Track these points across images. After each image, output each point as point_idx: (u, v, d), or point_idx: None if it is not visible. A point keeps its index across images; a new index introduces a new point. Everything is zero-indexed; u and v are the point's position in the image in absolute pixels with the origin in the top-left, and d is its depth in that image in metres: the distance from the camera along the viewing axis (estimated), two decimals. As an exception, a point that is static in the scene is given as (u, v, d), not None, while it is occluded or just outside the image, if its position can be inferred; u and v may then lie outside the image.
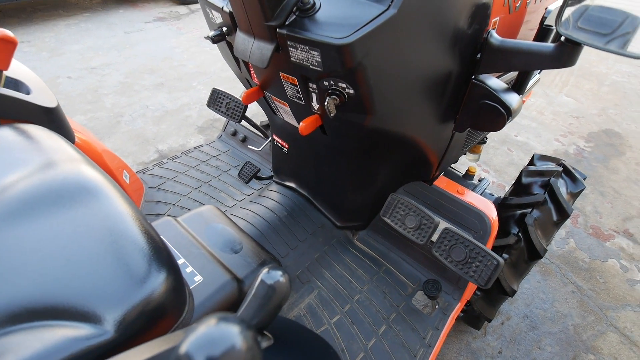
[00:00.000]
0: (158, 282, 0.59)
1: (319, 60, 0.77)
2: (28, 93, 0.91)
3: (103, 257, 0.58)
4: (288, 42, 0.78)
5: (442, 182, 1.22)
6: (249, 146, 1.59)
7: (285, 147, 1.27)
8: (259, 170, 1.37)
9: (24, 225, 0.60)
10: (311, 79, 0.85)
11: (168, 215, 1.31)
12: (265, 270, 0.48)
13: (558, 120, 2.93)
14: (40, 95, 0.94)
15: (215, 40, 0.91)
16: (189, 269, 0.97)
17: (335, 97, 0.83)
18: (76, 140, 1.06)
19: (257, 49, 0.84)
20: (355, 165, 1.09)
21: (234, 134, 1.63)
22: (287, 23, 0.77)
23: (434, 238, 1.05)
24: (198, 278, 0.95)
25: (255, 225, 1.24)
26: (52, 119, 0.95)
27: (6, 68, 0.85)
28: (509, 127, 2.81)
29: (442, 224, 1.06)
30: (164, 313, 0.59)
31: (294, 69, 0.84)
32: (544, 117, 2.95)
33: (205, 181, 1.45)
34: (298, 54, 0.80)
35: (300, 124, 0.90)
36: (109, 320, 0.52)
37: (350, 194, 1.19)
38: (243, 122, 1.51)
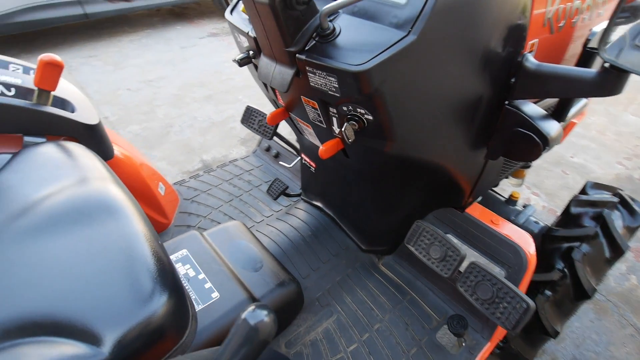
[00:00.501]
0: (160, 303, 0.60)
1: (336, 86, 0.76)
2: (73, 111, 0.99)
3: (110, 276, 0.61)
4: (307, 68, 0.78)
5: (475, 210, 1.14)
6: (280, 162, 1.60)
7: (312, 167, 1.27)
8: (287, 187, 1.38)
9: (44, 240, 0.64)
10: (330, 104, 0.84)
11: (198, 228, 1.35)
12: (250, 308, 0.47)
13: (621, 141, 2.67)
14: (84, 113, 1.01)
15: (241, 63, 0.94)
16: (208, 285, 0.98)
17: (354, 122, 0.81)
18: (115, 153, 1.13)
19: (278, 73, 0.84)
20: (380, 189, 1.06)
21: (268, 149, 1.66)
22: (306, 48, 0.77)
23: (462, 268, 0.98)
24: (215, 295, 0.97)
25: (279, 243, 1.24)
26: (92, 135, 1.02)
27: (53, 89, 0.93)
28: (565, 148, 2.60)
29: (470, 257, 0.99)
30: (163, 335, 0.60)
31: (313, 93, 0.84)
32: (605, 138, 2.70)
33: (237, 195, 1.48)
34: (317, 79, 0.79)
35: (321, 147, 0.89)
36: (106, 341, 0.54)
37: (375, 217, 1.16)
38: (276, 138, 1.54)
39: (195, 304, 0.93)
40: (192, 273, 1.00)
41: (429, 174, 0.98)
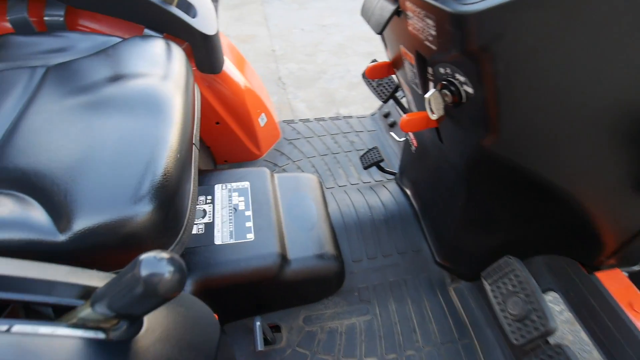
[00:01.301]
0: (141, 211, 0.56)
1: (434, 33, 0.55)
2: (194, 16, 1.01)
3: (112, 168, 0.59)
4: (407, 5, 0.59)
5: (612, 279, 0.78)
6: (391, 133, 1.42)
7: (414, 145, 1.06)
8: (382, 160, 1.20)
9: (83, 116, 0.67)
10: (427, 61, 0.63)
11: (281, 169, 1.32)
12: (151, 254, 0.37)
13: None
14: (204, 21, 1.03)
15: None
16: (249, 224, 0.94)
17: (447, 92, 0.59)
18: (225, 70, 1.14)
19: (379, 9, 0.67)
20: (475, 196, 0.80)
21: (387, 115, 1.48)
22: None
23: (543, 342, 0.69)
24: (250, 236, 0.92)
25: (345, 215, 1.10)
26: (205, 44, 1.04)
27: (180, -11, 0.97)
28: None
29: (565, 333, 0.67)
30: (130, 244, 0.57)
31: (411, 42, 0.64)
32: None
33: (333, 152, 1.38)
34: (415, 22, 0.59)
35: (404, 115, 0.70)
36: (71, 223, 0.53)
37: (461, 229, 0.90)
38: (398, 107, 1.34)
39: (228, 237, 0.90)
40: (241, 206, 0.97)
41: (548, 200, 0.69)
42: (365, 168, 1.22)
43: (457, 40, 0.50)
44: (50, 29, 0.91)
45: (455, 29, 0.49)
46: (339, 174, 1.31)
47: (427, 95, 0.60)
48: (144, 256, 0.36)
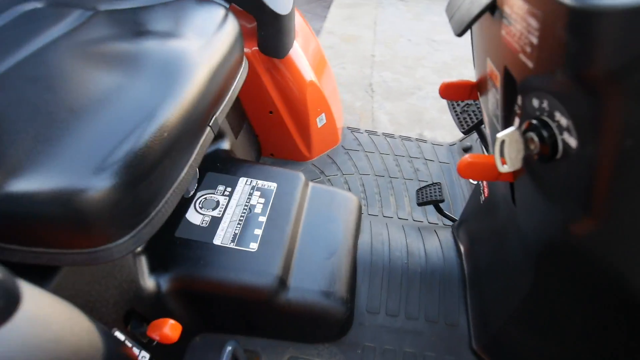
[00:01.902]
0: (99, 185, 0.46)
1: (534, 41, 0.36)
2: None
3: (95, 131, 0.50)
4: None
5: None
6: None
7: (484, 195, 0.83)
8: (442, 200, 0.98)
9: (104, 68, 0.60)
10: (517, 85, 0.43)
11: (326, 179, 1.17)
12: None
13: None
14: (278, 0, 0.93)
15: None
16: (257, 232, 0.81)
17: (533, 135, 0.39)
18: (291, 57, 1.03)
19: (468, 2, 0.49)
20: (540, 289, 0.56)
21: (467, 149, 1.24)
22: None
23: None
24: (254, 246, 0.79)
25: (375, 252, 0.91)
26: (273, 23, 0.93)
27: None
28: None
29: None
30: (74, 221, 0.47)
31: (501, 54, 0.45)
32: None
33: (391, 175, 1.19)
34: (512, 24, 0.40)
35: (466, 156, 0.50)
36: (19, 177, 0.45)
37: (514, 324, 0.66)
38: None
39: (229, 239, 0.78)
40: (258, 209, 0.85)
41: None
42: (419, 204, 1.02)
43: (572, 56, 0.30)
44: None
45: (573, 36, 0.29)
46: (389, 202, 1.11)
47: (500, 135, 0.40)
48: None
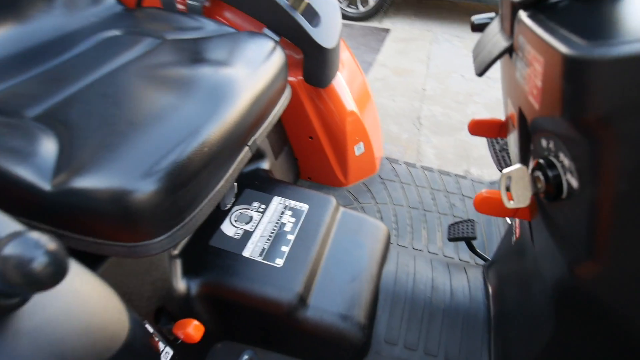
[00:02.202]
0: (145, 189, 0.53)
1: (539, 83, 0.38)
2: (316, 26, 0.99)
3: (149, 141, 0.58)
4: (520, 40, 0.43)
5: None
6: None
7: (515, 235, 0.80)
8: (474, 237, 0.96)
9: (164, 89, 0.68)
10: (529, 125, 0.44)
11: (359, 206, 1.19)
12: (33, 234, 0.31)
13: None
14: (324, 33, 0.99)
15: (474, 27, 0.63)
16: (284, 249, 0.85)
17: (539, 174, 0.40)
18: (331, 84, 1.08)
19: (491, 44, 0.52)
20: (561, 335, 0.54)
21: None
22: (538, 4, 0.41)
23: None
24: (279, 261, 0.83)
25: (399, 283, 0.91)
26: (318, 55, 1.00)
27: (309, -2, 0.95)
28: None
29: None
30: (121, 217, 0.53)
31: (516, 94, 0.47)
32: None
33: (426, 208, 1.18)
34: (523, 66, 0.42)
35: (483, 190, 0.51)
36: (69, 176, 0.52)
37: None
38: None
39: (258, 253, 0.83)
40: (287, 227, 0.89)
41: None
42: (450, 240, 1.00)
43: (567, 102, 0.32)
44: (189, 12, 1.00)
45: (567, 82, 0.31)
46: (420, 235, 1.11)
47: (505, 171, 0.41)
48: (20, 234, 0.30)
